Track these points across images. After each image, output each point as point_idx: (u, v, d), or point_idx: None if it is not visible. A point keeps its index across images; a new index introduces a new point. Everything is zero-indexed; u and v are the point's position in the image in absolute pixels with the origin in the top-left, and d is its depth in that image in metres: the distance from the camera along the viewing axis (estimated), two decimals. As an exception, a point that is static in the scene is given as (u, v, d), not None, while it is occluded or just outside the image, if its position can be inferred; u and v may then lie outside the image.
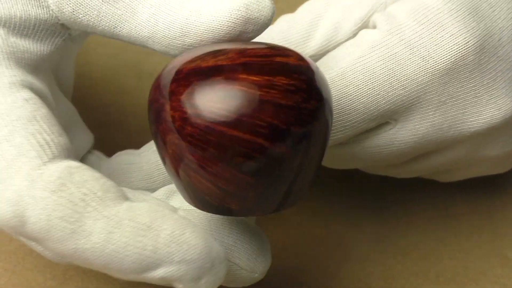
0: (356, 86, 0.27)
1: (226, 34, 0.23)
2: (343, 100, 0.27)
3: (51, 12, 0.25)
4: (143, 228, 0.21)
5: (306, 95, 0.21)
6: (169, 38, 0.24)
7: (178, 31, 0.24)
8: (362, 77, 0.27)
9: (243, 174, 0.21)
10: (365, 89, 0.27)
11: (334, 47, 0.29)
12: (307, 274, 0.32)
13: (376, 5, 0.29)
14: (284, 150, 0.21)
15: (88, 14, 0.25)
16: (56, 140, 0.23)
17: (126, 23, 0.25)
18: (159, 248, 0.21)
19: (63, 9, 0.25)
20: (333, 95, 0.27)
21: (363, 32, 0.28)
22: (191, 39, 0.24)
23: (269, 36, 0.29)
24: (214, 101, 0.20)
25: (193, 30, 0.24)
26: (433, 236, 0.33)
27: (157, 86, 0.22)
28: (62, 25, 0.26)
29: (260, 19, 0.23)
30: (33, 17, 0.25)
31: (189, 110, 0.21)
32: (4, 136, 0.22)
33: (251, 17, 0.23)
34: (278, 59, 0.21)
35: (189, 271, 0.22)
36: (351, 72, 0.27)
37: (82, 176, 0.22)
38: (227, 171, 0.21)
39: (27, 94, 0.23)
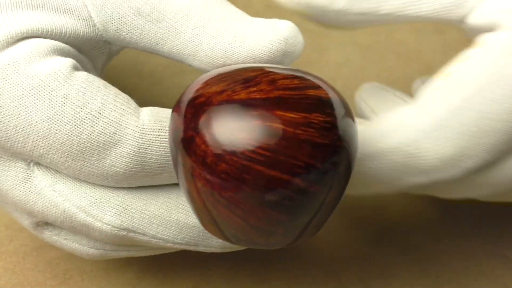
0: (496, 102, 0.24)
1: (265, 62, 0.25)
2: (481, 121, 0.24)
3: (96, 30, 0.26)
4: None
5: (340, 132, 0.21)
6: (211, 58, 0.25)
7: (221, 53, 0.25)
8: (503, 91, 0.24)
9: (277, 212, 0.21)
10: (507, 105, 0.24)
11: (416, 13, 0.26)
12: (307, 273, 0.32)
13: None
14: (318, 189, 0.21)
15: (131, 32, 0.26)
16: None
17: (168, 41, 0.26)
18: None
19: (107, 27, 0.26)
20: (469, 116, 0.25)
21: (484, 37, 0.26)
22: (232, 62, 0.25)
23: None
24: (251, 139, 0.20)
25: (235, 55, 0.25)
26: (433, 236, 0.33)
27: (181, 113, 0.22)
28: (105, 41, 0.27)
29: (295, 53, 0.25)
30: (81, 35, 0.26)
31: (224, 147, 0.20)
32: (102, 104, 0.24)
33: (288, 50, 0.24)
34: (310, 92, 0.21)
35: None
36: (489, 86, 0.24)
37: (163, 111, 0.25)
38: (260, 210, 0.21)
39: (82, 73, 0.25)
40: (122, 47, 0.27)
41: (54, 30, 0.25)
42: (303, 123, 0.20)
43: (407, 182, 0.26)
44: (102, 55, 0.27)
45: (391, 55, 0.44)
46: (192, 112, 0.21)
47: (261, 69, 0.22)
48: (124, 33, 0.26)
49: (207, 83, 0.22)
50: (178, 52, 0.26)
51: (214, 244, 0.27)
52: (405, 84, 0.43)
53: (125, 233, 0.25)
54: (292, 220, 0.22)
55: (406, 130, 0.25)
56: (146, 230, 0.25)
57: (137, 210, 0.25)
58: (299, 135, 0.20)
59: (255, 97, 0.20)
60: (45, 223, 0.26)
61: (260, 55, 0.24)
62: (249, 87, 0.21)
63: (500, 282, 0.31)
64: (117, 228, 0.25)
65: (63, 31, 0.25)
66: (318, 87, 0.22)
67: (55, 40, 0.25)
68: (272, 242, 0.22)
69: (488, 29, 0.26)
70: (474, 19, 0.26)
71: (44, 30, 0.25)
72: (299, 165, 0.20)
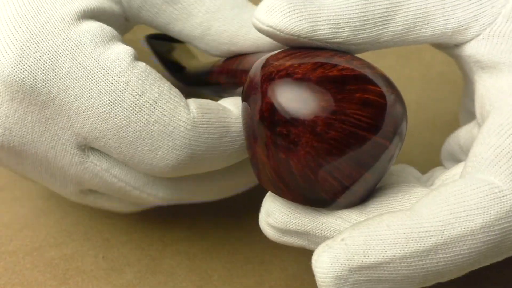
0: None
1: (269, 50, 0.26)
2: None
3: (122, 7, 0.28)
4: None
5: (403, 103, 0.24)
6: (218, 42, 0.27)
7: (228, 39, 0.27)
8: None
9: (369, 174, 0.23)
10: None
11: (415, 38, 0.25)
12: (307, 273, 0.32)
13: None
14: (397, 153, 0.24)
15: (149, 11, 0.28)
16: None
17: (180, 22, 0.27)
18: None
19: (131, 4, 0.27)
20: None
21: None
22: (235, 49, 0.27)
23: (341, 10, 0.25)
24: (357, 109, 0.22)
25: (240, 43, 0.27)
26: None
27: (273, 92, 0.23)
28: (125, 18, 0.28)
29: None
30: (112, 12, 0.27)
31: (334, 116, 0.22)
32: (159, 94, 0.25)
33: None
34: (375, 70, 0.24)
35: None
36: None
37: (207, 102, 0.26)
38: (358, 172, 0.23)
39: (142, 63, 0.26)
40: (135, 24, 0.29)
41: (98, 8, 0.26)
42: (387, 95, 0.23)
43: (489, 262, 0.23)
44: (119, 34, 0.29)
45: (391, 55, 0.43)
46: (292, 88, 0.23)
47: (330, 51, 0.24)
48: (144, 11, 0.28)
49: (292, 63, 0.23)
50: (187, 34, 0.28)
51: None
52: (405, 84, 0.43)
53: (174, 202, 0.28)
54: (374, 181, 0.24)
55: (500, 204, 0.21)
56: (192, 199, 0.29)
57: (186, 184, 0.27)
58: (388, 105, 0.23)
59: (347, 74, 0.23)
60: (89, 190, 0.28)
61: (263, 46, 0.26)
62: (335, 66, 0.23)
63: (500, 283, 0.31)
64: (169, 200, 0.27)
65: (105, 8, 0.26)
66: (373, 67, 0.24)
67: (99, 18, 0.26)
68: (343, 203, 0.24)
69: (487, 64, 0.25)
70: (472, 49, 0.25)
71: (95, 8, 0.26)
72: (390, 130, 0.23)
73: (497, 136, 0.22)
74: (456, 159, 0.28)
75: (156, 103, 0.24)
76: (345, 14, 0.24)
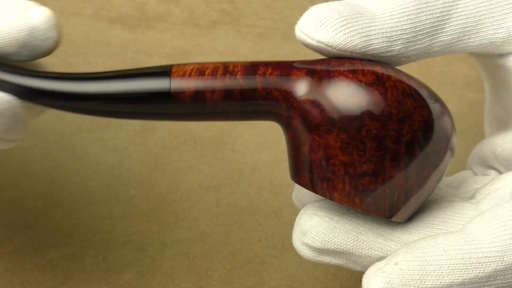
0: None
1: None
2: None
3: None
4: None
5: None
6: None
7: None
8: None
9: (424, 189, 0.23)
10: None
11: (463, 48, 0.24)
12: (307, 273, 0.32)
13: None
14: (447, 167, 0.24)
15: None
16: None
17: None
18: None
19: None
20: None
21: None
22: None
23: (394, 22, 0.23)
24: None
25: None
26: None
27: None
28: None
29: (40, 48, 0.24)
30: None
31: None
32: None
33: (30, 43, 0.24)
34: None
35: None
36: None
37: None
38: (418, 185, 0.23)
39: None
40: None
41: None
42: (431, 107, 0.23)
43: None
44: None
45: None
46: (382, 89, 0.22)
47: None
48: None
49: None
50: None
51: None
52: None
53: None
54: (424, 198, 0.23)
55: None
56: None
57: None
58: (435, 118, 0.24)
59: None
60: None
61: None
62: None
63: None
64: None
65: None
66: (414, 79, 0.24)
67: None
68: (400, 218, 0.23)
69: None
70: None
71: None
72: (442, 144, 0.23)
73: None
74: (488, 165, 0.28)
75: None
76: (398, 26, 0.22)
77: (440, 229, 0.23)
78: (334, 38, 0.22)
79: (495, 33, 0.24)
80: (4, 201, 0.34)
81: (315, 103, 0.22)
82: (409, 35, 0.23)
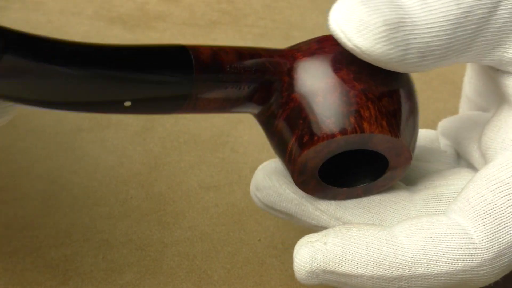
0: None
1: None
2: None
3: None
4: None
5: None
6: None
7: None
8: None
9: None
10: None
11: (474, 61, 0.24)
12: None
13: None
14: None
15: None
16: None
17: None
18: None
19: None
20: None
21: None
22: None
23: (431, 36, 0.22)
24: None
25: None
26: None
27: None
28: None
29: None
30: None
31: None
32: None
33: None
34: None
35: None
36: None
37: None
38: None
39: None
40: None
41: None
42: None
43: None
44: None
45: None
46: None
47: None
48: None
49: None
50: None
51: None
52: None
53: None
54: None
55: (470, 259, 0.23)
56: None
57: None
58: None
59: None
60: None
61: None
62: None
63: (500, 282, 0.31)
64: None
65: None
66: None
67: None
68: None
69: None
70: None
71: None
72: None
73: (493, 192, 0.23)
74: (454, 142, 0.29)
75: None
76: (434, 41, 0.22)
77: (373, 213, 0.25)
78: (373, 48, 0.21)
79: (505, 52, 0.23)
80: (4, 201, 0.34)
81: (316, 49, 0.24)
82: (441, 52, 0.22)
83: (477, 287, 0.24)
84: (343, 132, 0.22)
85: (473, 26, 0.22)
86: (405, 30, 0.21)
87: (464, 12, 0.22)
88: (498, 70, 0.25)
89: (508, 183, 0.23)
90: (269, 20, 0.49)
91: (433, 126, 0.40)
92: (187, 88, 0.22)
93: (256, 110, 0.24)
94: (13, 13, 0.48)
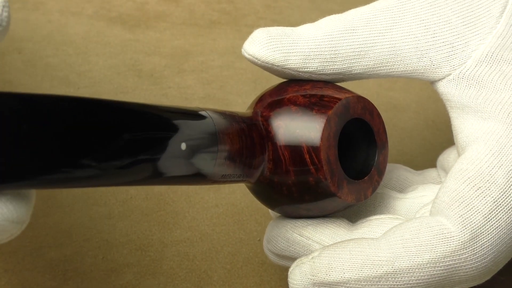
0: None
1: None
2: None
3: None
4: None
5: None
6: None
7: None
8: None
9: None
10: None
11: (387, 73, 0.28)
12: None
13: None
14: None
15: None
16: None
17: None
18: None
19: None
20: (501, 218, 0.25)
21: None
22: None
23: (314, 44, 0.27)
24: None
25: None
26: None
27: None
28: None
29: None
30: None
31: None
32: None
33: None
34: None
35: None
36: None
37: None
38: None
39: None
40: None
41: None
42: None
43: None
44: None
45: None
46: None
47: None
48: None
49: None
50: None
51: None
52: (405, 84, 0.43)
53: None
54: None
55: (447, 243, 0.24)
56: None
57: None
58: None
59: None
60: None
61: None
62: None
63: (499, 281, 0.31)
64: None
65: None
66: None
67: None
68: None
69: (456, 104, 0.27)
70: (444, 88, 0.28)
71: None
72: None
73: (455, 181, 0.25)
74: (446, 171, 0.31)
75: None
76: (318, 48, 0.27)
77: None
78: (259, 52, 0.27)
79: (419, 61, 0.27)
80: (4, 201, 0.34)
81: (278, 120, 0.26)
82: (326, 57, 0.27)
83: (467, 282, 0.25)
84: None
85: (361, 39, 0.27)
86: (288, 40, 0.27)
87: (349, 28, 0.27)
88: (432, 83, 0.28)
89: (466, 169, 0.25)
90: (269, 20, 0.49)
91: (433, 126, 0.40)
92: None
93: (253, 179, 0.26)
94: (13, 13, 0.48)
